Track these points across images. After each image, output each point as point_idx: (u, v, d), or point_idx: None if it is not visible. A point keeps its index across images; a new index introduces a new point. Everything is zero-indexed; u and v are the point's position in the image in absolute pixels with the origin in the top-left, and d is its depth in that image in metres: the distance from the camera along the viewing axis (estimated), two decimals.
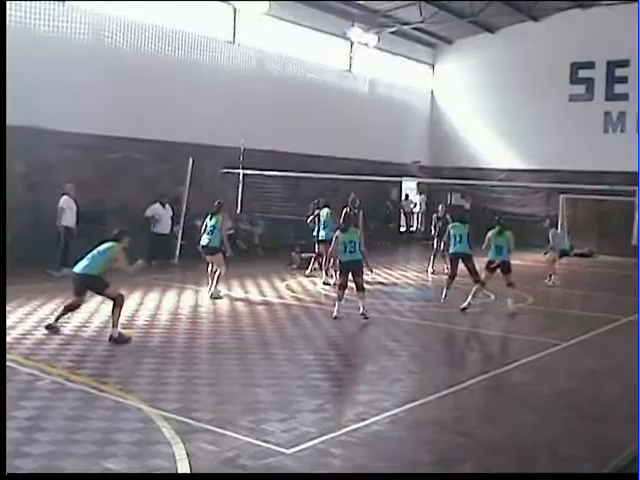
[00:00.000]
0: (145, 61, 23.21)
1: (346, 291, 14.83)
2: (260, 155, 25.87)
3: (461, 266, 16.65)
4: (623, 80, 33.04)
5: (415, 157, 35.73)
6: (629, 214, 24.33)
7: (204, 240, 16.89)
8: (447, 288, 17.01)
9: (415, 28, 33.33)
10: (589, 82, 33.92)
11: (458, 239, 16.74)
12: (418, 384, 10.59)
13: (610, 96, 33.52)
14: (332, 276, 18.79)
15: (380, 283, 20.04)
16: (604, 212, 30.14)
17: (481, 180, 31.92)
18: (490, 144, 35.87)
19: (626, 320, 15.91)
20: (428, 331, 14.55)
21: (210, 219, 16.97)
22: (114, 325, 11.91)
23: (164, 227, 22.23)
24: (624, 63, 32.86)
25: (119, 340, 11.74)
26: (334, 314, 14.56)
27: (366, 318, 14.46)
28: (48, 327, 12.19)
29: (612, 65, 33.28)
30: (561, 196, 30.92)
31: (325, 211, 19.92)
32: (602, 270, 25.77)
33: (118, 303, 12.03)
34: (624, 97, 33.02)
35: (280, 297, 17.23)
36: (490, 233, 16.33)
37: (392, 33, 33.15)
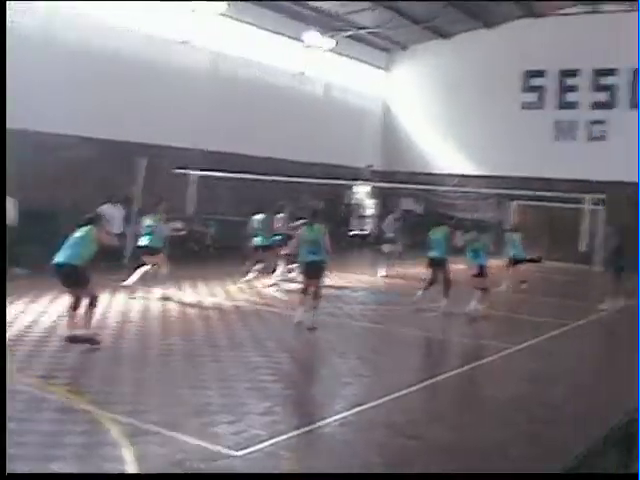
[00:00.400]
0: (98, 60, 22.98)
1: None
2: (214, 156, 25.80)
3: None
4: (574, 89, 33.52)
5: (369, 161, 35.85)
6: (578, 221, 24.71)
7: (143, 241, 16.64)
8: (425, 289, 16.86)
9: (371, 32, 33.48)
10: (541, 90, 34.36)
11: (437, 244, 16.68)
12: (368, 387, 10.62)
13: (561, 105, 33.96)
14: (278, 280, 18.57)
15: (332, 286, 20.04)
16: (554, 219, 30.52)
17: (434, 185, 32.16)
18: (443, 149, 36.13)
19: (574, 325, 16.14)
20: (380, 334, 14.59)
21: (147, 218, 16.73)
22: (87, 326, 11.53)
23: (115, 227, 21.97)
24: (575, 72, 33.34)
25: (92, 342, 11.35)
26: (296, 319, 13.76)
27: (313, 329, 13.50)
28: (71, 339, 11.41)
29: (563, 74, 33.72)
30: (512, 202, 31.28)
31: (259, 217, 19.51)
32: (551, 276, 26.06)
33: (94, 303, 11.66)
34: (574, 106, 33.49)
35: (231, 299, 17.16)
36: (466, 237, 16.43)
37: (348, 37, 33.24)
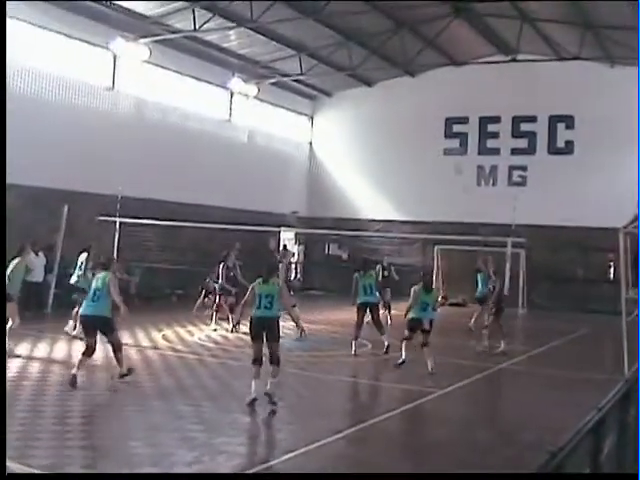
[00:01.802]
0: (20, 103, 22.68)
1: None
2: (138, 203, 25.60)
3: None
4: (495, 135, 34.31)
5: (294, 207, 35.99)
6: (501, 265, 25.06)
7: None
8: (356, 339, 16.81)
9: (295, 80, 33.81)
10: (463, 136, 35.07)
11: (368, 289, 16.94)
12: (295, 434, 10.53)
13: (483, 150, 34.69)
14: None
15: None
16: (475, 263, 30.90)
17: (358, 230, 32.40)
18: (367, 195, 36.48)
19: (497, 368, 16.31)
20: (305, 381, 14.52)
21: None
22: (121, 365, 12.70)
23: (37, 275, 21.61)
24: (495, 119, 34.13)
25: (129, 373, 12.75)
26: (251, 396, 11.47)
27: (273, 404, 11.28)
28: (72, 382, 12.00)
29: (484, 120, 34.50)
30: (436, 247, 31.67)
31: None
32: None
33: (119, 348, 12.71)
34: (496, 151, 34.26)
35: (156, 347, 16.94)
36: (415, 289, 15.19)
37: (272, 84, 33.55)
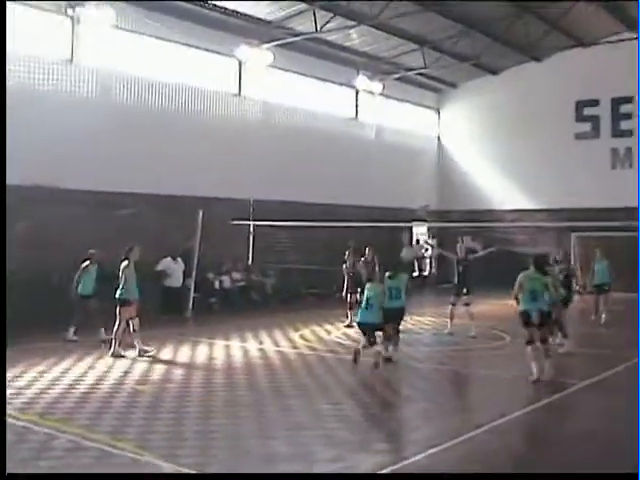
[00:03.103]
0: (151, 116, 23.44)
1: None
2: (269, 205, 25.99)
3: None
4: (628, 116, 33.13)
5: (424, 201, 35.76)
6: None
7: (117, 293, 15.70)
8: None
9: (419, 74, 33.58)
10: (594, 120, 34.02)
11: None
12: (438, 429, 10.40)
13: (616, 132, 33.59)
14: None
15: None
16: (615, 249, 29.92)
17: (491, 222, 31.90)
18: (499, 185, 35.89)
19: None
20: (445, 376, 14.40)
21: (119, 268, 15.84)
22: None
23: (176, 281, 22.26)
24: (628, 99, 32.98)
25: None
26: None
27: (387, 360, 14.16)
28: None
29: (616, 102, 33.38)
30: (572, 234, 30.86)
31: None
32: (617, 307, 25.33)
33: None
34: (630, 133, 33.08)
35: (295, 347, 17.11)
36: (523, 274, 13.51)
37: (397, 80, 33.43)
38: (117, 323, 15.48)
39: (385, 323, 14.45)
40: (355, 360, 14.45)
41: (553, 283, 13.82)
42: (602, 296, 21.15)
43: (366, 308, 14.41)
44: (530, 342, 13.07)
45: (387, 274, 14.96)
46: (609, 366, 14.69)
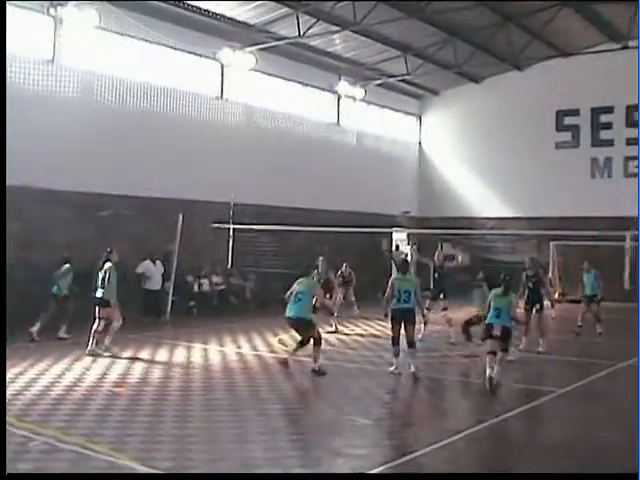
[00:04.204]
0: (133, 118, 23.35)
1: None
2: (250, 209, 25.96)
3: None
4: (608, 126, 33.38)
5: (404, 208, 35.85)
6: (619, 259, 24.36)
7: (98, 293, 15.89)
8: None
9: (401, 80, 33.66)
10: (575, 129, 34.24)
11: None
12: (415, 435, 10.43)
13: (596, 142, 33.81)
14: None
15: (373, 335, 20.03)
16: (593, 258, 30.10)
17: (471, 229, 32.01)
18: (478, 193, 36.05)
19: (619, 366, 15.83)
20: (422, 382, 14.38)
21: (100, 270, 15.99)
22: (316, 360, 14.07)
23: (155, 284, 22.17)
24: (608, 109, 33.23)
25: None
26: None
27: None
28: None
29: (596, 112, 33.62)
30: (551, 243, 31.00)
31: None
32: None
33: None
34: (609, 143, 33.33)
35: (273, 352, 17.08)
36: (493, 293, 13.98)
37: (379, 86, 33.50)
38: (97, 323, 15.55)
39: (393, 326, 14.35)
40: (285, 364, 14.44)
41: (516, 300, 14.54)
42: (591, 306, 21.27)
43: (295, 302, 14.32)
44: (491, 352, 13.33)
45: (396, 275, 14.85)
46: (587, 374, 14.79)
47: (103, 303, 15.83)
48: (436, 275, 19.67)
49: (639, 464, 6.54)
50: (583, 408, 12.42)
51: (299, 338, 14.72)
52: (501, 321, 13.53)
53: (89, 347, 15.55)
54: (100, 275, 15.95)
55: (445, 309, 18.96)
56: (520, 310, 16.32)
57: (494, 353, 13.31)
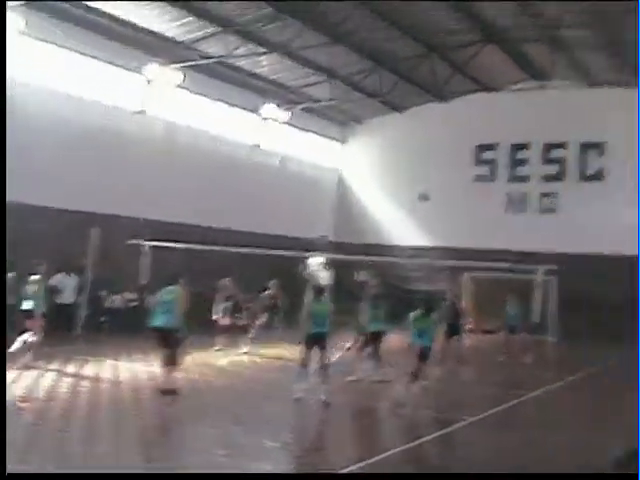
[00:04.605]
0: (49, 126, 22.94)
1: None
2: (168, 226, 25.72)
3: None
4: (524, 162, 34.16)
5: (323, 232, 35.95)
6: (528, 293, 24.78)
7: (25, 305, 15.84)
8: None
9: (326, 106, 33.88)
10: (492, 164, 34.95)
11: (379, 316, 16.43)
12: (322, 459, 10.42)
13: (512, 178, 34.55)
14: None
15: (286, 359, 20.01)
16: (506, 290, 30.60)
17: (387, 257, 32.26)
18: (396, 221, 36.41)
19: (525, 398, 16.08)
20: (336, 409, 14.38)
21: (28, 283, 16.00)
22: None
23: (67, 297, 21.77)
24: (525, 146, 34.02)
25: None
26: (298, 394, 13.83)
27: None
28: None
29: (515, 148, 34.40)
30: (465, 274, 31.43)
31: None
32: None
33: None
34: (526, 179, 34.10)
35: (182, 370, 16.86)
36: (412, 315, 14.05)
37: (303, 110, 33.64)
38: (27, 335, 15.55)
39: (307, 349, 14.08)
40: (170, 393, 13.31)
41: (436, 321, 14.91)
42: (513, 336, 21.75)
43: (162, 312, 13.56)
44: (412, 372, 13.69)
45: (312, 298, 14.55)
46: (500, 402, 14.97)
47: (28, 314, 15.73)
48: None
49: (639, 464, 6.66)
50: (496, 436, 12.53)
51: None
52: (422, 341, 13.82)
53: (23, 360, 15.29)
54: (28, 287, 15.94)
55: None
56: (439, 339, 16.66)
57: (414, 373, 13.65)
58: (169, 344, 13.58)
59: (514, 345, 21.82)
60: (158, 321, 13.59)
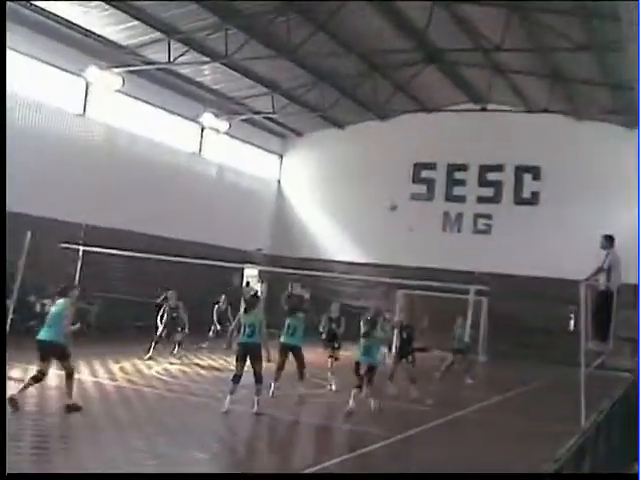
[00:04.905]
0: None
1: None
2: (103, 232, 25.40)
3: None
4: (461, 182, 34.61)
5: (259, 244, 35.90)
6: (461, 312, 25.02)
7: None
8: (276, 380, 16.08)
9: (266, 118, 33.91)
10: (430, 182, 35.31)
11: (292, 330, 16.25)
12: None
13: (449, 197, 34.95)
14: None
15: (217, 369, 19.90)
16: (439, 309, 30.84)
17: (322, 271, 32.31)
18: (332, 236, 36.58)
19: (451, 417, 16.21)
20: (256, 422, 14.33)
21: None
22: (70, 396, 12.46)
23: None
24: (463, 167, 34.46)
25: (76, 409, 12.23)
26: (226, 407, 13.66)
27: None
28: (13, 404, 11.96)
29: (452, 168, 34.82)
30: (398, 291, 31.61)
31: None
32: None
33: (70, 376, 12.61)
34: (462, 199, 34.53)
35: (113, 379, 16.68)
36: (362, 334, 15.02)
37: (243, 121, 33.64)
38: None
39: (238, 359, 14.09)
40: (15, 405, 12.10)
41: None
42: (459, 357, 21.96)
43: (49, 326, 12.83)
44: (358, 386, 14.64)
45: (243, 309, 14.69)
46: (427, 421, 15.05)
47: None
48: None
49: (639, 464, 6.72)
50: (421, 452, 12.60)
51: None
52: (368, 359, 14.87)
53: None
54: None
55: None
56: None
57: (359, 387, 14.58)
58: (57, 358, 12.86)
59: (461, 365, 22.07)
60: (43, 334, 12.89)
